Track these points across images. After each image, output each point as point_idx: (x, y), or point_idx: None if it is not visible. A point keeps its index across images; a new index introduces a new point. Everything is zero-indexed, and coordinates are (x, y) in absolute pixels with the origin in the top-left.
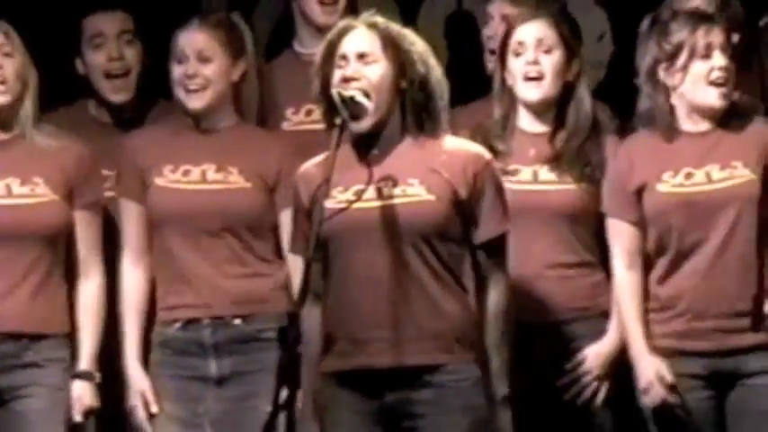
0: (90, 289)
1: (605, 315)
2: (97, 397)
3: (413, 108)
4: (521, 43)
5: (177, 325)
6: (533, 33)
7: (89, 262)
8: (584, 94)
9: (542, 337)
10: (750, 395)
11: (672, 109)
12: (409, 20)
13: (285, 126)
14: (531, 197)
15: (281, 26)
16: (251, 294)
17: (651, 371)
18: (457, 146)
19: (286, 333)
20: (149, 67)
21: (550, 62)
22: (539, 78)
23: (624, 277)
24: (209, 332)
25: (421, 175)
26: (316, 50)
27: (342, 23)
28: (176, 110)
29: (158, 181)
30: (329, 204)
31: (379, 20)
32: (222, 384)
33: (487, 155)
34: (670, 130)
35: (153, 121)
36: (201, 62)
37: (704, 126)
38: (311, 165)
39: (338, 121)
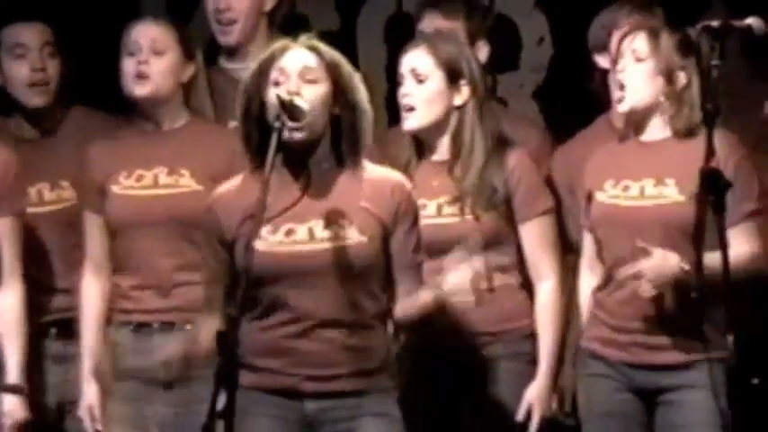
0: (10, 301)
1: (525, 337)
2: (28, 409)
3: (347, 133)
4: (400, 73)
5: (129, 328)
6: (408, 63)
7: (9, 273)
8: (472, 119)
9: (461, 358)
10: (671, 411)
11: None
12: (349, 22)
13: None
14: (437, 231)
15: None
16: (201, 301)
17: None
18: (379, 175)
19: (224, 338)
20: (69, 78)
21: (423, 93)
22: (411, 109)
23: (582, 281)
24: (159, 337)
25: (352, 214)
26: (236, 65)
27: (280, 43)
28: (93, 115)
29: (114, 189)
30: (257, 244)
31: (319, 43)
32: (170, 388)
33: (408, 184)
34: (628, 135)
35: (70, 126)
36: (154, 53)
37: (655, 135)
38: (227, 189)
39: (277, 124)
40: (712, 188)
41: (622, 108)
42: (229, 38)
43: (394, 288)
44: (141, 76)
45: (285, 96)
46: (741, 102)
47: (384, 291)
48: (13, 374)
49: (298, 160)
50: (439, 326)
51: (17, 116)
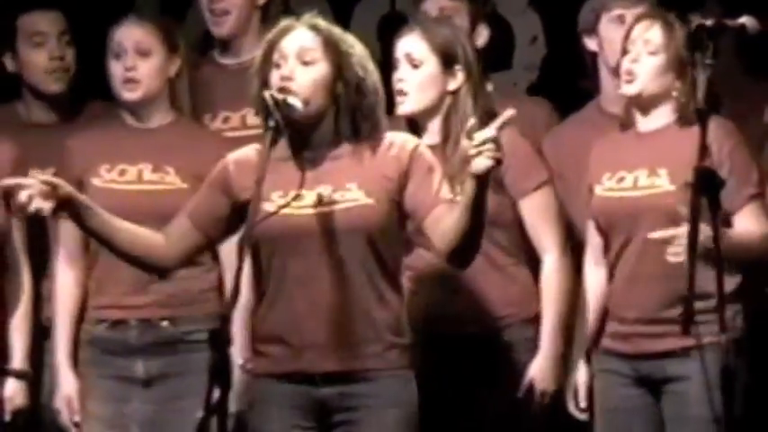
0: (18, 290)
1: (532, 321)
2: (28, 397)
3: (347, 112)
4: (395, 58)
5: (104, 325)
6: (402, 48)
7: (18, 263)
8: (465, 102)
9: (470, 346)
10: (675, 401)
11: (629, 106)
12: (343, 21)
13: None
14: None
15: (210, 36)
16: (178, 297)
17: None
18: (390, 140)
19: (218, 334)
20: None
21: (417, 78)
22: (404, 94)
23: (588, 274)
24: (136, 333)
25: (359, 179)
26: (230, 60)
27: (283, 23)
28: (108, 109)
29: (95, 181)
30: (266, 208)
31: (321, 21)
32: (149, 386)
33: (414, 140)
34: (629, 124)
35: (88, 117)
36: (140, 55)
37: (651, 125)
38: (246, 154)
39: (271, 123)
40: (707, 187)
41: (631, 90)
42: (222, 29)
43: (428, 235)
44: (130, 81)
45: (278, 96)
46: (735, 100)
47: (395, 258)
48: (19, 360)
49: (302, 136)
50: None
51: (28, 101)
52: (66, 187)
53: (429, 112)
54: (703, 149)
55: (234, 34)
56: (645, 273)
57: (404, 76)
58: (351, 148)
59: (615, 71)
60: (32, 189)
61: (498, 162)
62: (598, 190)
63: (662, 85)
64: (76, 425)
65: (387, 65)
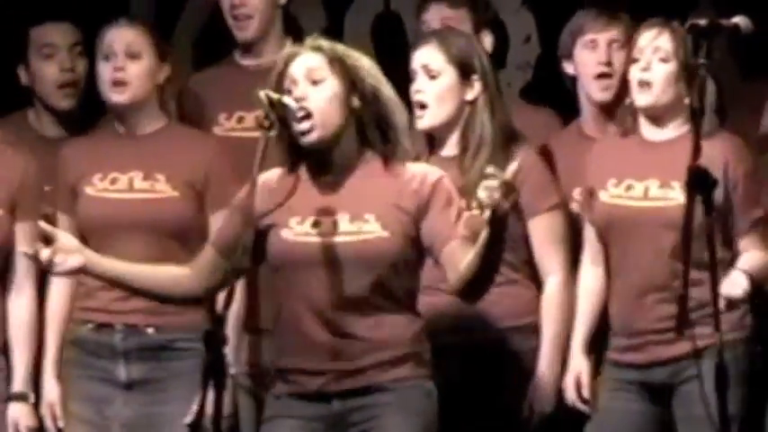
0: (23, 305)
1: (534, 332)
2: (35, 416)
3: (371, 123)
4: (412, 69)
5: (89, 326)
6: (419, 59)
7: (23, 277)
8: (483, 114)
9: (466, 356)
10: (686, 401)
11: (635, 113)
12: (336, 21)
13: (216, 130)
14: None
15: (205, 36)
16: (166, 305)
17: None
18: (413, 170)
19: (212, 335)
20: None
21: (435, 89)
22: (423, 107)
23: (584, 273)
24: (121, 338)
25: (377, 210)
26: (249, 62)
27: (286, 51)
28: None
29: (88, 190)
30: (284, 233)
31: (323, 41)
32: (131, 389)
33: (438, 173)
34: (629, 133)
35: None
36: (130, 58)
37: (663, 135)
38: (273, 176)
39: (266, 122)
40: (700, 187)
41: (645, 101)
42: (246, 33)
43: (444, 269)
44: (118, 83)
45: (273, 95)
46: (728, 101)
47: (406, 289)
48: (20, 381)
49: (322, 158)
50: (450, 321)
51: (39, 113)
52: (84, 250)
53: (448, 125)
54: (697, 149)
55: (258, 37)
56: (655, 284)
57: (422, 88)
58: (373, 172)
59: (604, 106)
60: (59, 246)
61: (512, 205)
62: (603, 196)
63: (674, 93)
64: (60, 431)
65: (381, 65)
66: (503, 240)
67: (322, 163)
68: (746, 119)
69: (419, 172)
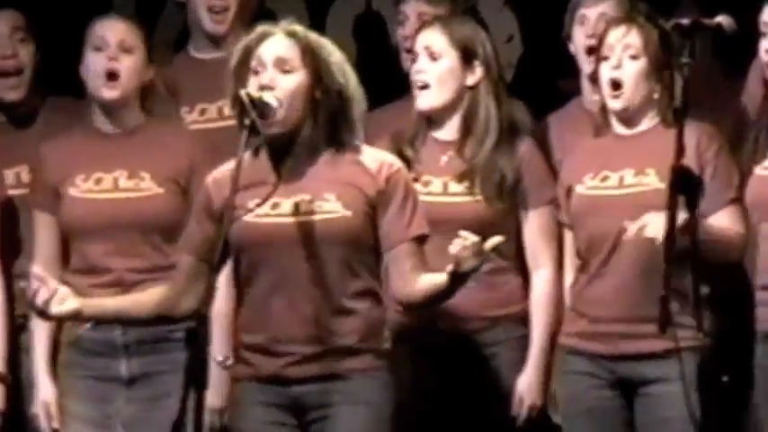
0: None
1: (521, 321)
2: (6, 400)
3: (328, 117)
4: (415, 51)
5: (87, 325)
6: (422, 41)
7: None
8: (487, 100)
9: (459, 343)
10: (651, 403)
11: (607, 113)
12: (318, 20)
13: None
14: (443, 209)
15: (185, 34)
16: None
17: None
18: (371, 156)
19: (195, 334)
20: (41, 66)
21: (437, 70)
22: (424, 87)
23: (567, 279)
24: (120, 333)
25: (337, 190)
26: (208, 55)
27: (260, 29)
28: (67, 106)
29: (71, 191)
30: (245, 216)
31: (299, 28)
32: (132, 385)
33: (398, 163)
34: (605, 130)
35: (45, 118)
36: (123, 51)
37: (636, 129)
38: (224, 170)
39: (247, 122)
40: (684, 186)
41: (618, 105)
42: (222, 27)
43: (388, 268)
44: (112, 75)
45: (254, 94)
46: (712, 99)
47: (369, 270)
48: None
49: (281, 145)
50: (436, 310)
51: None
52: (77, 301)
53: (448, 108)
54: (680, 149)
55: (230, 30)
56: (626, 270)
57: (423, 68)
58: (330, 157)
59: (592, 78)
60: (53, 293)
61: (474, 270)
62: (579, 189)
63: (646, 90)
64: (55, 431)
65: (363, 64)
66: (459, 289)
67: (282, 149)
68: (727, 116)
69: (376, 157)
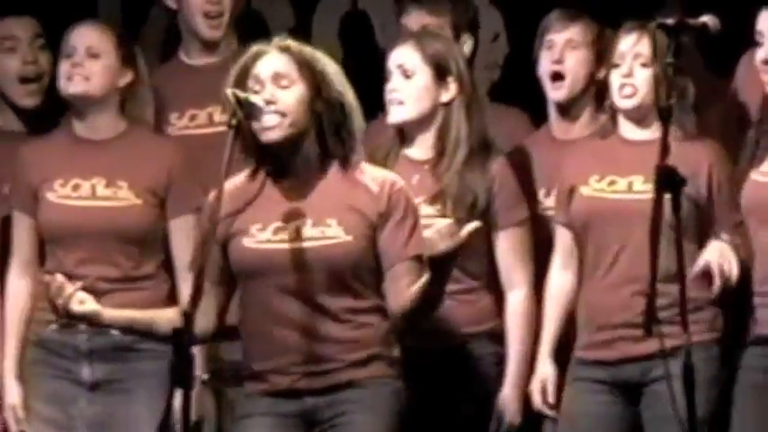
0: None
1: (493, 338)
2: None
3: (330, 129)
4: (388, 69)
5: (53, 326)
6: (395, 59)
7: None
8: (459, 116)
9: (435, 360)
10: (653, 401)
11: (615, 114)
12: (304, 19)
13: (169, 131)
14: None
15: (171, 37)
16: (131, 306)
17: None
18: (373, 176)
19: (181, 333)
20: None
21: (411, 88)
22: (400, 103)
23: (553, 277)
24: (86, 338)
25: (338, 215)
26: (200, 61)
27: (254, 48)
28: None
29: (49, 196)
30: (246, 241)
31: (291, 42)
32: (95, 389)
33: (400, 182)
34: (609, 134)
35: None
36: (89, 57)
37: (645, 135)
38: (233, 187)
39: (233, 122)
40: (668, 185)
41: (630, 104)
42: (217, 32)
43: (387, 284)
44: (74, 78)
45: (240, 94)
46: (697, 99)
47: (374, 289)
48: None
49: (283, 163)
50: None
51: (1, 107)
52: (96, 304)
53: (422, 124)
54: (664, 148)
55: (223, 36)
56: (635, 276)
57: (397, 87)
58: (333, 175)
59: (561, 106)
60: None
61: (455, 255)
62: (585, 190)
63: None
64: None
65: (348, 63)
66: (445, 282)
67: (283, 167)
68: (713, 117)
69: (377, 177)
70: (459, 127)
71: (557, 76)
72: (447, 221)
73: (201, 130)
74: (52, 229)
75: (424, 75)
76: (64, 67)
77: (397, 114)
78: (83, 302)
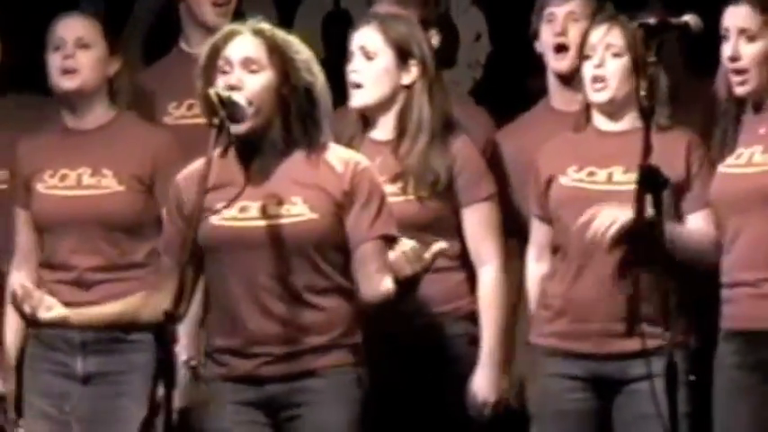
0: None
1: (466, 317)
2: None
3: (296, 116)
4: (350, 50)
5: None
6: (358, 40)
7: None
8: (421, 99)
9: (401, 341)
10: (631, 400)
11: (588, 107)
12: (287, 19)
13: (167, 120)
14: None
15: (160, 24)
16: (121, 296)
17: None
18: (338, 155)
19: (163, 331)
20: (6, 64)
21: (372, 69)
22: (358, 86)
23: (529, 269)
24: (78, 330)
25: (303, 193)
26: (197, 49)
27: (227, 28)
28: (30, 103)
29: (39, 187)
30: (213, 218)
31: (266, 26)
32: (88, 383)
33: (364, 162)
34: (582, 127)
35: (7, 113)
36: (79, 48)
37: (619, 126)
38: (193, 170)
39: (215, 121)
40: (651, 185)
41: (602, 98)
42: (225, 20)
43: (355, 268)
44: (68, 71)
45: (223, 93)
46: (678, 98)
47: (339, 268)
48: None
49: (250, 145)
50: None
51: None
52: (64, 309)
53: (382, 106)
54: (647, 148)
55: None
56: (610, 270)
57: (358, 68)
58: (299, 158)
59: (566, 77)
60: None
61: (420, 277)
62: (563, 180)
63: (629, 87)
64: (15, 423)
65: (331, 63)
66: (411, 290)
67: (249, 150)
68: (695, 117)
69: (343, 157)
70: (422, 110)
71: (560, 48)
72: (412, 243)
73: (199, 120)
74: (43, 220)
75: (385, 57)
76: (55, 60)
77: (356, 99)
78: (50, 308)
